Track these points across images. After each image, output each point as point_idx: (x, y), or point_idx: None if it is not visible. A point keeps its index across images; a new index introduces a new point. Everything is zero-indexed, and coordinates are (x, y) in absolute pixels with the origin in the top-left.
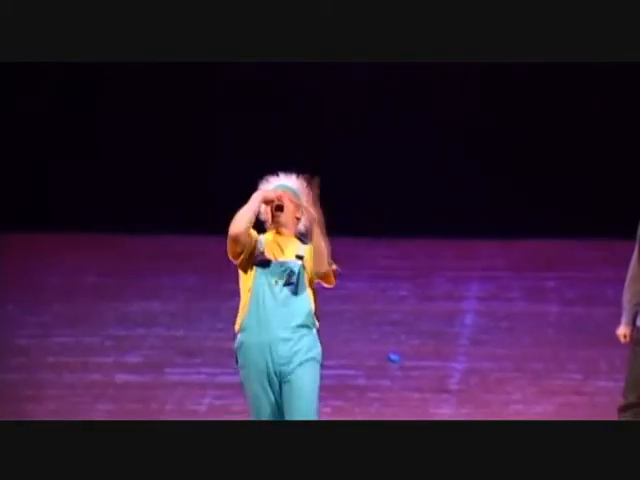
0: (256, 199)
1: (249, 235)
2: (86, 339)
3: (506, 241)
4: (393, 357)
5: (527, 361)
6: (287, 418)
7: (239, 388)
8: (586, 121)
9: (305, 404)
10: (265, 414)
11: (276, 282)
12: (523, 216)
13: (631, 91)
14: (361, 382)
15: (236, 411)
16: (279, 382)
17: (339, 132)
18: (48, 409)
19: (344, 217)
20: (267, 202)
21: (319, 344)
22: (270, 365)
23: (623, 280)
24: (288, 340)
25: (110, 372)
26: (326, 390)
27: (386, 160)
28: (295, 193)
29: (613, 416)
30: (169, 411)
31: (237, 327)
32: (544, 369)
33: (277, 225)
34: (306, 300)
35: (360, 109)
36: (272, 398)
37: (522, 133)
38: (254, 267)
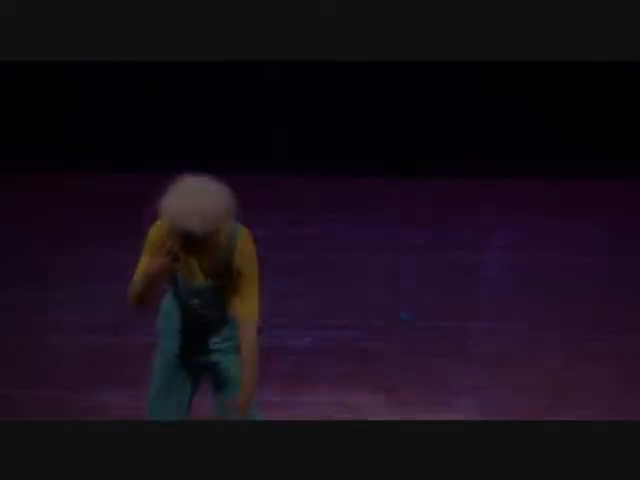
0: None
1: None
2: (47, 295)
3: (536, 180)
4: (405, 316)
5: (562, 320)
6: (221, 407)
7: None
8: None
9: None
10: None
11: None
12: (555, 152)
13: None
14: (366, 345)
15: None
16: (202, 365)
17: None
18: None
19: (349, 151)
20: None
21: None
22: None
23: None
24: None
25: (75, 332)
26: (325, 355)
27: (401, 89)
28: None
29: None
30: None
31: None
32: (580, 328)
33: None
34: None
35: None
36: (186, 380)
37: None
38: None
